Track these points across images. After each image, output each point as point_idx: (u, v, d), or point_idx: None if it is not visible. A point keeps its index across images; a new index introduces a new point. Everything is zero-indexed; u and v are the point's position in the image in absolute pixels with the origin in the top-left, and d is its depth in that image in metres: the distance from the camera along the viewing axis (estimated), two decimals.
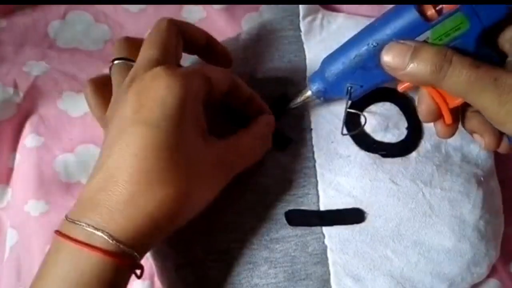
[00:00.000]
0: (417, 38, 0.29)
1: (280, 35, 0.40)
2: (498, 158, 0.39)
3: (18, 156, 0.43)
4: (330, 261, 0.35)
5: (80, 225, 0.27)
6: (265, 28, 0.41)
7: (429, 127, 0.37)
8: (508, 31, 0.30)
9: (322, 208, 0.36)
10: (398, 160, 0.36)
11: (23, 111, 0.43)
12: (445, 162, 0.36)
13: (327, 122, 0.37)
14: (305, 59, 0.39)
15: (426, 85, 0.30)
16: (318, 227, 0.36)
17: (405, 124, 0.37)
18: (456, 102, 0.30)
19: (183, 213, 0.30)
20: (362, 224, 0.35)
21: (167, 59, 0.31)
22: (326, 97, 0.34)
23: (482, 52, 0.29)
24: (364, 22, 0.33)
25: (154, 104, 0.28)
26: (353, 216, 0.35)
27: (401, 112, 0.37)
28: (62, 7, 0.45)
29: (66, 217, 0.28)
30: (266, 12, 0.41)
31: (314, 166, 0.36)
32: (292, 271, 0.35)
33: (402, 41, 0.29)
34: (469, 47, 0.29)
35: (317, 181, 0.36)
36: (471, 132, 0.33)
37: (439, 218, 0.35)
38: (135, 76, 0.30)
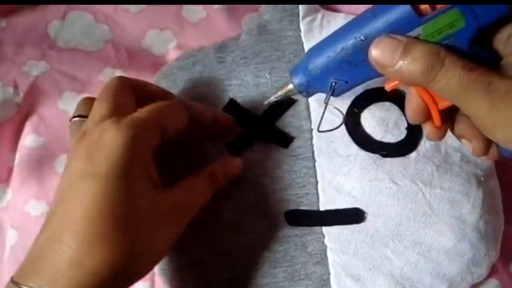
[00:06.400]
0: (408, 34, 0.27)
1: (280, 35, 0.40)
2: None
3: (18, 156, 0.43)
4: (330, 261, 0.35)
5: None
6: (265, 28, 0.41)
7: None
8: (503, 32, 0.27)
9: (322, 208, 0.36)
10: (398, 160, 0.36)
11: (23, 111, 0.43)
12: (445, 162, 0.36)
13: (327, 122, 0.37)
14: None
15: (415, 85, 0.28)
16: (318, 227, 0.36)
17: (405, 124, 0.37)
18: (446, 103, 0.28)
19: (135, 267, 0.29)
20: (362, 224, 0.35)
21: (116, 113, 0.30)
22: (309, 91, 0.32)
23: (475, 53, 0.27)
24: None
25: (101, 157, 0.28)
26: (353, 216, 0.35)
27: (401, 112, 0.37)
28: (62, 7, 0.45)
29: (12, 279, 0.27)
30: (266, 12, 0.41)
31: (314, 166, 0.36)
32: (292, 271, 0.35)
33: (392, 36, 0.27)
34: (462, 47, 0.27)
35: (317, 181, 0.36)
36: (459, 137, 0.31)
37: (439, 218, 0.35)
38: (85, 131, 0.30)
